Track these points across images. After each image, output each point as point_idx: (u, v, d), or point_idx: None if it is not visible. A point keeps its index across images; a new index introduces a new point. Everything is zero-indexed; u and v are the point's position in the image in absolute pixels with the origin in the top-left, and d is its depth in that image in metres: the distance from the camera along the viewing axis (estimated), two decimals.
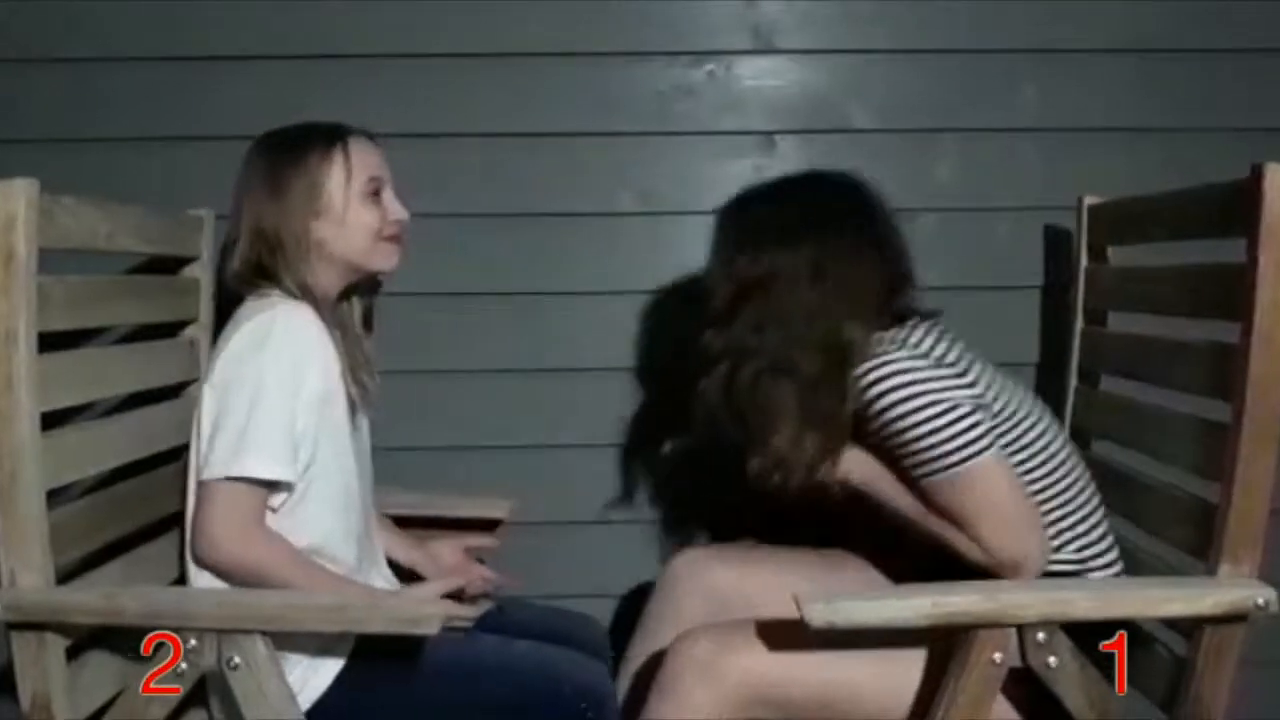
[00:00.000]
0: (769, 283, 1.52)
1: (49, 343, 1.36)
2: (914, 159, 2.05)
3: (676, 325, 2.09)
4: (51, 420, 1.38)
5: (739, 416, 1.55)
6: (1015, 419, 1.53)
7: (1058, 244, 2.04)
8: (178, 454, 1.75)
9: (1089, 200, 1.91)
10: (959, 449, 1.45)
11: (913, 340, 1.50)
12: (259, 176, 1.59)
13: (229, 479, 1.44)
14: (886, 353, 1.48)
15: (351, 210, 1.58)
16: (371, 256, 1.61)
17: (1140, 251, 1.77)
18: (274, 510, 1.50)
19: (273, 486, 1.47)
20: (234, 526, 1.44)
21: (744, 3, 2.06)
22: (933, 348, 1.50)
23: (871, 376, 1.47)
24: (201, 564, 1.48)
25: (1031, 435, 1.54)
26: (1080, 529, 1.54)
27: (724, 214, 1.62)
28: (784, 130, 2.08)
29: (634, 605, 2.01)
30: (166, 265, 1.83)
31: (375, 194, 1.60)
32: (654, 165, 2.08)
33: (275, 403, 1.45)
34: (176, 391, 1.79)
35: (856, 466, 1.54)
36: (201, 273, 1.87)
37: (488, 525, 2.01)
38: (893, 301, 1.54)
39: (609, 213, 2.07)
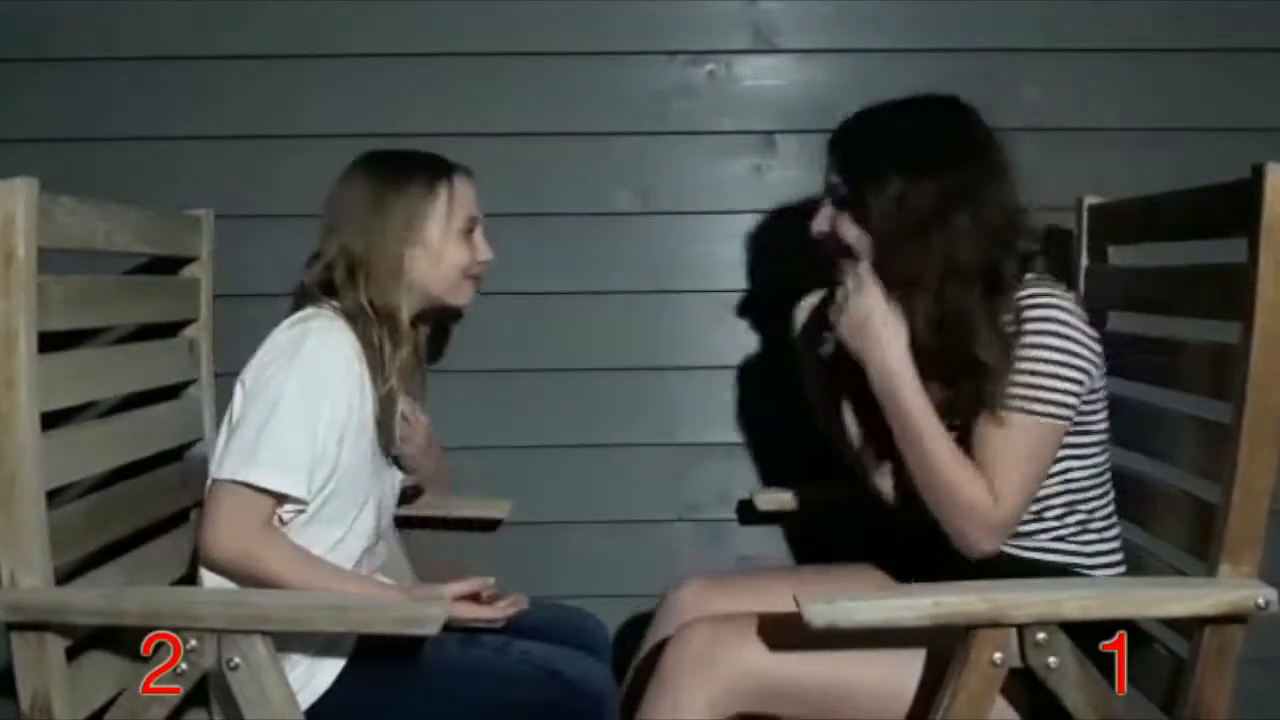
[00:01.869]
0: (910, 206, 1.48)
1: (49, 343, 1.36)
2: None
3: (675, 324, 2.10)
4: (51, 420, 1.38)
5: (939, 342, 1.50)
6: (1103, 398, 1.54)
7: (1058, 244, 2.03)
8: (178, 454, 1.76)
9: (1089, 200, 1.91)
10: (1053, 401, 1.44)
11: (1066, 291, 1.50)
12: (359, 196, 1.60)
13: (235, 482, 1.45)
14: (1055, 290, 1.48)
15: (448, 246, 1.61)
16: (454, 292, 1.65)
17: (1140, 251, 1.77)
18: (284, 523, 1.50)
19: (282, 498, 1.47)
20: (235, 528, 1.44)
21: (744, 2, 2.06)
22: (1078, 304, 1.49)
23: (1037, 301, 1.46)
24: (203, 561, 1.48)
25: (1104, 420, 1.55)
26: (1107, 524, 1.55)
27: (852, 132, 1.58)
28: (784, 130, 2.08)
29: (633, 605, 2.02)
30: (166, 265, 1.83)
31: (469, 232, 1.64)
32: (653, 165, 2.07)
33: (293, 416, 1.46)
34: (176, 391, 1.80)
35: (899, 353, 1.49)
36: (201, 273, 1.87)
37: (488, 525, 2.02)
38: (1024, 227, 1.52)
39: (609, 212, 2.07)
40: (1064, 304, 1.47)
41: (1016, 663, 1.36)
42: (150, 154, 2.02)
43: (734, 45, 2.07)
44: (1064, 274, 1.97)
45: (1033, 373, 1.44)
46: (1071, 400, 1.46)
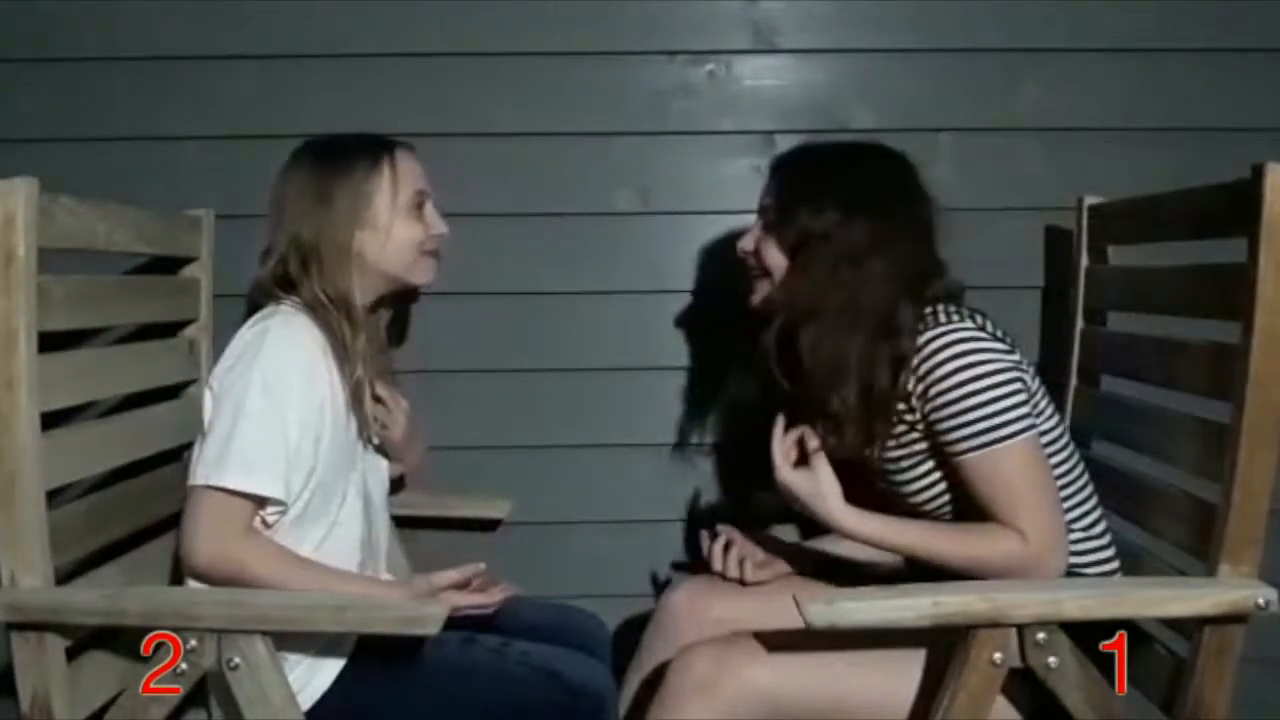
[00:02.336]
0: (831, 241, 1.51)
1: (49, 343, 1.36)
2: (914, 159, 2.04)
3: (676, 325, 2.10)
4: (51, 420, 1.38)
5: (794, 372, 1.54)
6: (1040, 406, 1.54)
7: (1058, 244, 2.04)
8: (178, 454, 1.75)
9: (1089, 200, 1.91)
10: (1013, 420, 1.44)
11: (966, 314, 1.50)
12: (303, 185, 1.59)
13: (209, 487, 1.44)
14: (950, 323, 1.47)
15: (397, 223, 1.60)
16: (412, 270, 1.64)
17: (1140, 251, 1.77)
18: (269, 525, 1.50)
19: (260, 500, 1.46)
20: (212, 534, 1.43)
21: (744, 2, 2.06)
22: (984, 323, 1.50)
23: (936, 344, 1.46)
24: (185, 570, 1.47)
25: (1051, 424, 1.55)
26: (1086, 521, 1.54)
27: (795, 160, 1.63)
28: (784, 130, 2.07)
29: (632, 605, 2.02)
30: (166, 265, 1.83)
31: (419, 207, 1.63)
32: (654, 165, 2.07)
33: (261, 417, 1.45)
34: (176, 392, 1.80)
35: (853, 519, 1.51)
36: (201, 273, 1.87)
37: (488, 525, 2.01)
38: (935, 283, 1.54)
39: (609, 212, 2.07)
40: (963, 332, 1.47)
41: (1016, 663, 1.36)
42: (150, 154, 2.02)
43: (734, 45, 2.07)
44: (1064, 275, 1.98)
45: (977, 406, 1.44)
46: (1025, 409, 1.46)
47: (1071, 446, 1.58)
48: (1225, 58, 2.05)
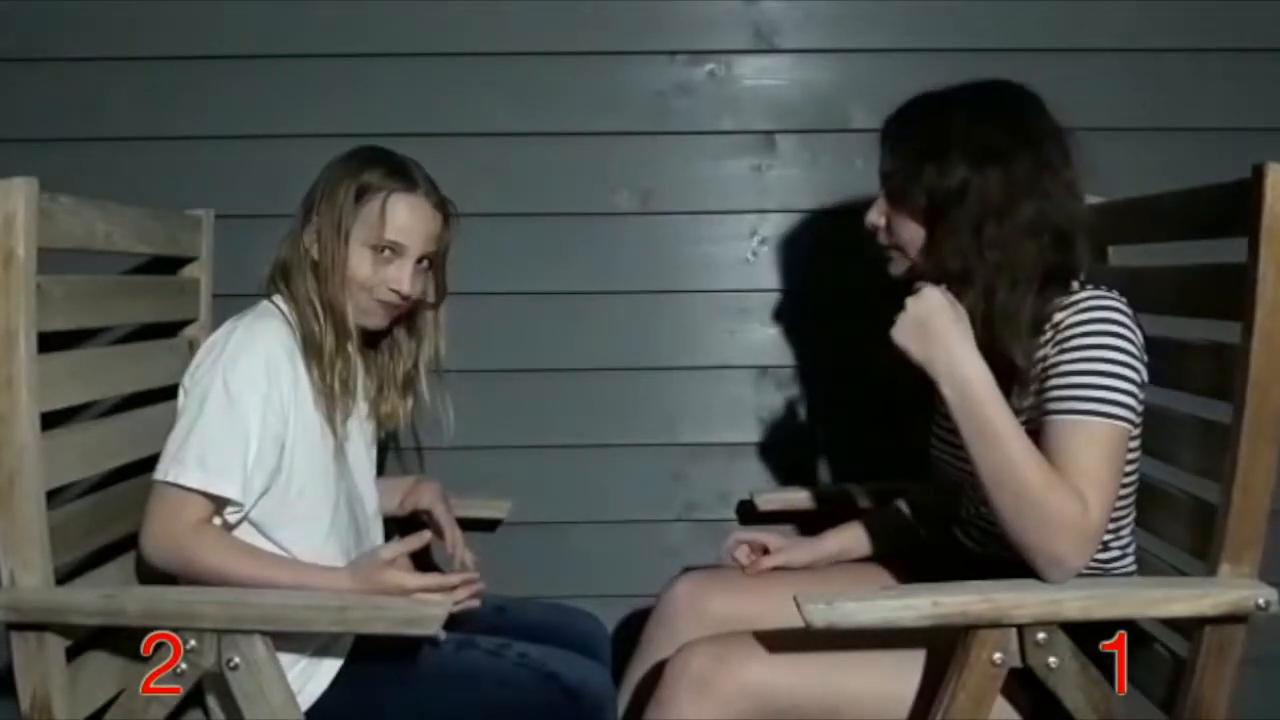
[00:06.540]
0: (967, 198, 1.43)
1: (49, 343, 1.36)
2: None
3: (676, 325, 2.10)
4: (51, 420, 1.38)
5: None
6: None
7: None
8: None
9: (1089, 200, 1.91)
10: (1121, 404, 1.39)
11: (1122, 300, 1.44)
12: (336, 180, 1.58)
13: (166, 483, 1.44)
14: (1110, 295, 1.43)
15: (353, 257, 1.55)
16: (359, 310, 1.58)
17: (1140, 251, 1.77)
18: (231, 526, 1.49)
19: (217, 499, 1.45)
20: (165, 529, 1.44)
21: (744, 2, 2.06)
22: (1135, 316, 1.45)
23: (1090, 304, 1.41)
24: (140, 559, 1.47)
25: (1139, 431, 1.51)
26: (1129, 524, 1.53)
27: (908, 118, 1.52)
28: (784, 130, 2.08)
29: (632, 605, 2.02)
30: (166, 265, 1.83)
31: (383, 254, 1.57)
32: (654, 165, 2.08)
33: (221, 415, 1.45)
34: (176, 392, 1.79)
35: (969, 351, 1.40)
36: (201, 273, 1.87)
37: (488, 525, 2.01)
38: (1081, 226, 1.47)
39: (609, 212, 2.07)
40: (1124, 310, 1.43)
41: (1016, 663, 1.36)
42: (150, 154, 2.02)
43: (734, 45, 2.07)
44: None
45: (1099, 374, 1.39)
46: (1135, 404, 1.41)
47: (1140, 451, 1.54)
48: (1225, 58, 2.05)
